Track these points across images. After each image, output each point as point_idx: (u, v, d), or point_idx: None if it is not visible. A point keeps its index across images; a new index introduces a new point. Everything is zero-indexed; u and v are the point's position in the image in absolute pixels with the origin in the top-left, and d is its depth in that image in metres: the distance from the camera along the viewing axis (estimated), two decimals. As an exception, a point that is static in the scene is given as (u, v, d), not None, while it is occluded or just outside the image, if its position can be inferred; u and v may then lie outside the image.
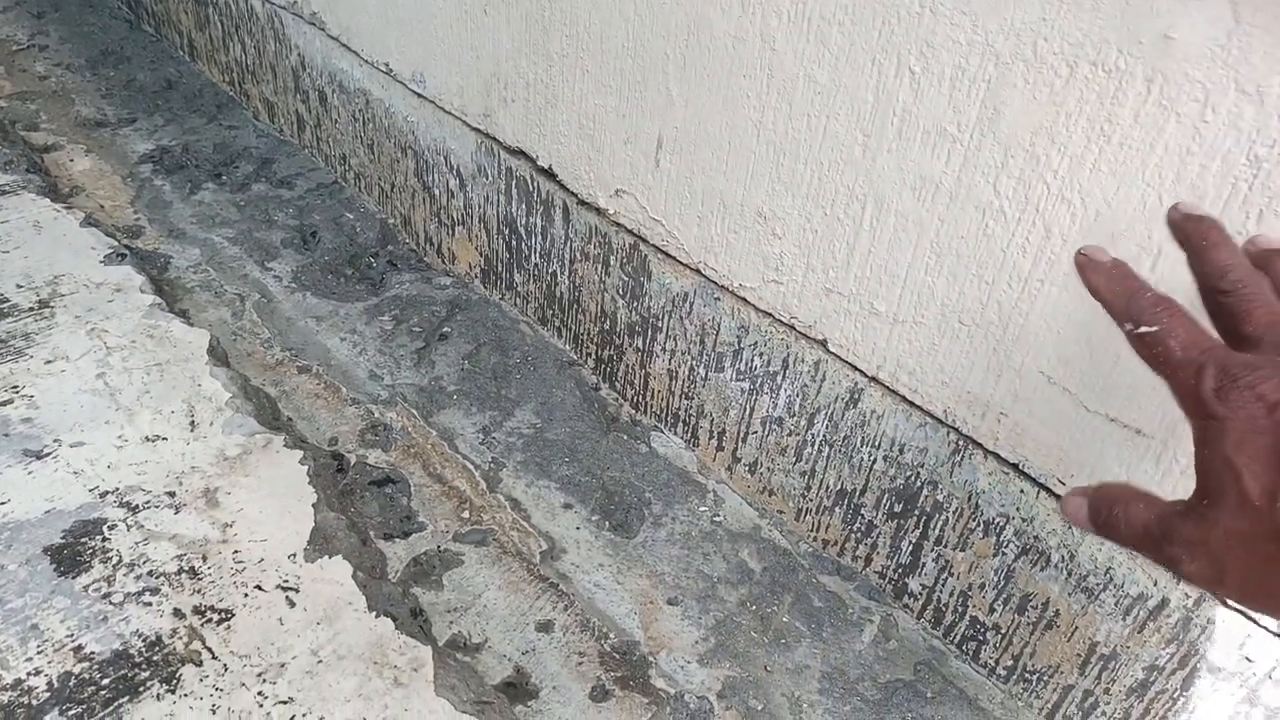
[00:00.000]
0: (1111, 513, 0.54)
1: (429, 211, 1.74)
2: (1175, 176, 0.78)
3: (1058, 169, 0.85)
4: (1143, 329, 0.52)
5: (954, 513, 1.08)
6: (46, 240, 1.61)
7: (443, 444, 1.36)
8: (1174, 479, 0.88)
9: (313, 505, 1.16)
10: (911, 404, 1.08)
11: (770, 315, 1.20)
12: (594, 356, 1.52)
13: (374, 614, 1.02)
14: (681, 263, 1.29)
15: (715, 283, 1.25)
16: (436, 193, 1.69)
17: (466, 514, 1.25)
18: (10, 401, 1.27)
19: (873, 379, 1.11)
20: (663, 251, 1.31)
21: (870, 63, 0.97)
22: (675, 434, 1.42)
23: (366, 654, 0.98)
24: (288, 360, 1.50)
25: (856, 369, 1.12)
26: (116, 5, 2.67)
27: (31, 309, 1.44)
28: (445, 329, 1.61)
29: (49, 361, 1.34)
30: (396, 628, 1.01)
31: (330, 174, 1.99)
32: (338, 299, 1.66)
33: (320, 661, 0.96)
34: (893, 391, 1.10)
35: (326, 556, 1.09)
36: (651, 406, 1.45)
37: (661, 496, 1.31)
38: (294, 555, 1.09)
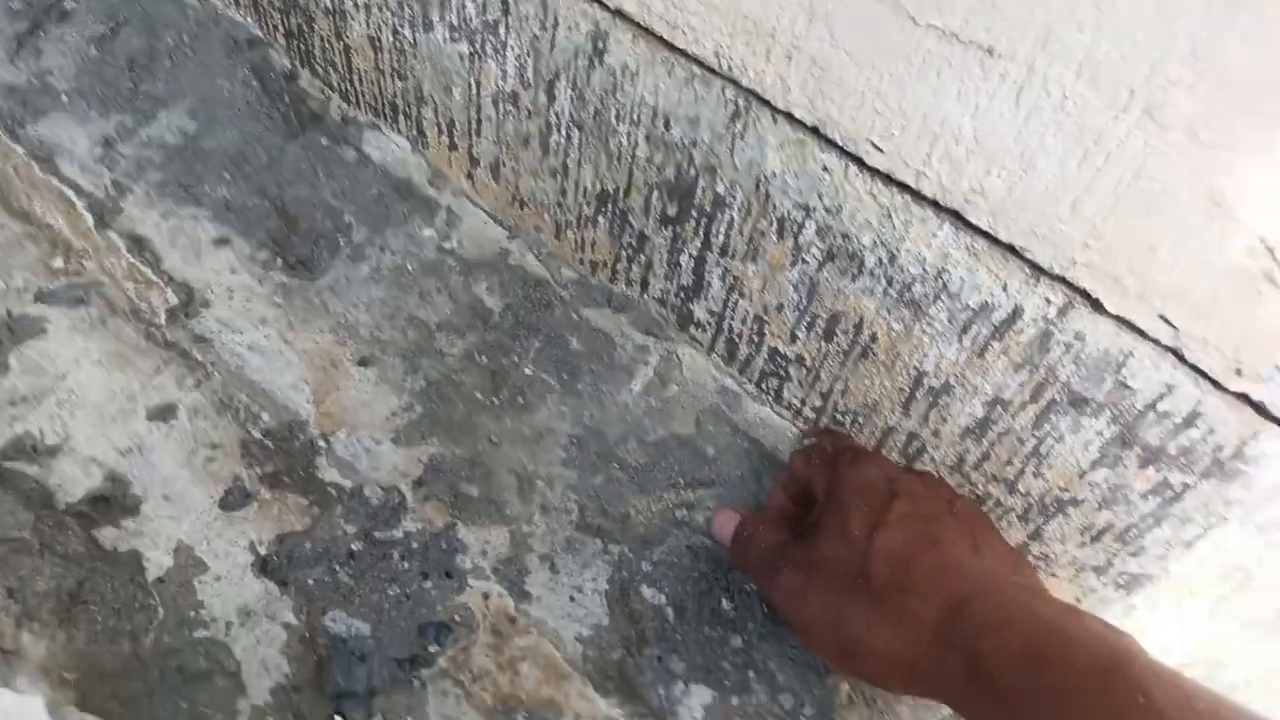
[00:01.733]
0: (756, 529, 0.70)
1: None
2: None
3: None
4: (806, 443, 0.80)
5: (739, 209, 0.76)
6: None
7: (33, 166, 0.93)
8: (1043, 120, 0.55)
9: None
10: (673, 48, 0.71)
11: (472, -78, 0.77)
12: (282, 30, 1.06)
13: None
14: None
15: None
16: None
17: (61, 263, 0.86)
18: None
19: (617, 13, 0.72)
20: None
21: None
22: (396, 130, 1.02)
23: None
24: None
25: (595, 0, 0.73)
26: None
27: None
28: (67, 4, 1.11)
29: None
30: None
31: None
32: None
33: None
34: (645, 31, 0.72)
35: None
36: (362, 95, 1.03)
37: (369, 219, 0.94)
38: None
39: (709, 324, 0.86)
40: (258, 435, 0.76)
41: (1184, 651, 0.74)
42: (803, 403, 0.84)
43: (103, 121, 0.98)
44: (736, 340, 0.85)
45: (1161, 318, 0.58)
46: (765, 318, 0.81)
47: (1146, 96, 0.51)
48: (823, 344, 0.78)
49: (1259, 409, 0.58)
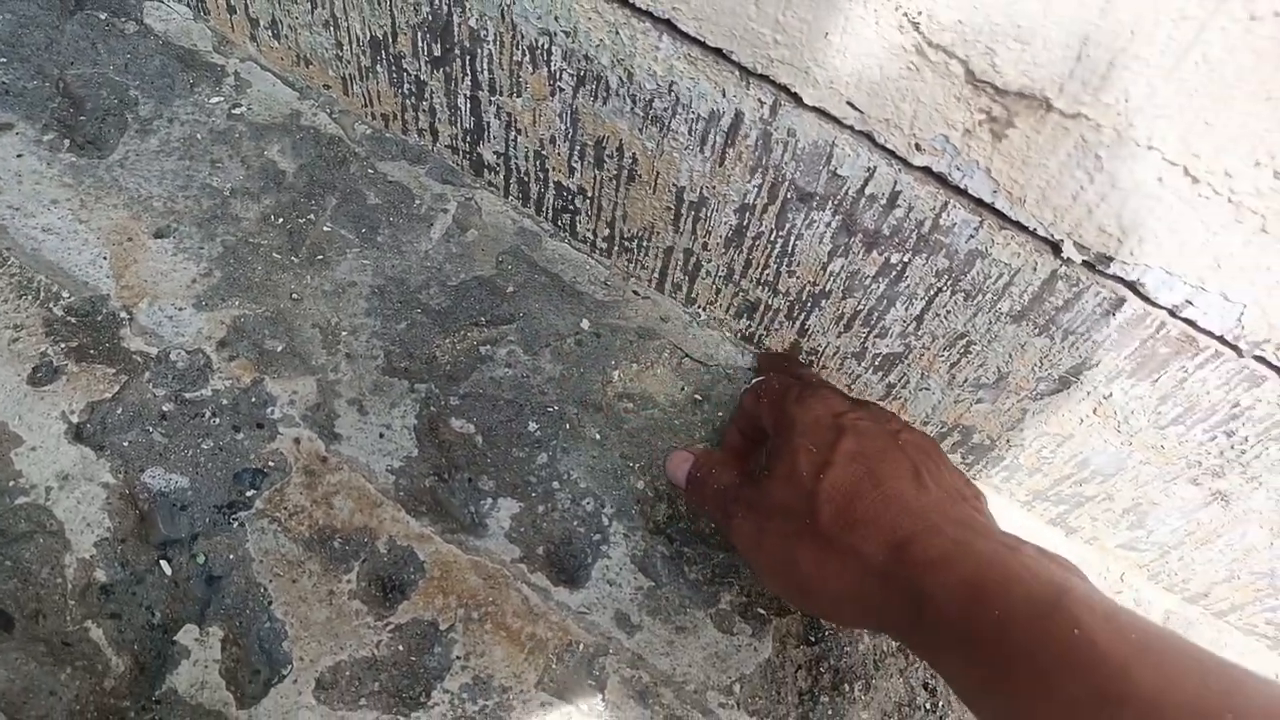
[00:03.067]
0: (709, 471, 0.72)
1: None
2: None
3: None
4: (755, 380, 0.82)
5: (494, 42, 0.77)
6: None
7: None
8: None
9: None
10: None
11: None
12: (37, -102, 1.01)
13: None
14: None
15: None
16: None
17: None
18: None
19: None
20: None
21: None
22: (177, 0, 1.00)
23: None
24: None
25: None
26: None
27: None
28: None
29: None
30: None
31: None
32: None
33: None
34: None
35: None
36: (131, -37, 0.99)
37: (155, 92, 0.93)
38: None
39: (498, 166, 0.90)
40: (60, 313, 0.79)
41: (938, 423, 0.83)
42: (594, 234, 0.89)
43: None
44: (526, 180, 0.89)
45: (849, 104, 0.63)
46: (544, 152, 0.84)
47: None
48: (596, 172, 0.82)
49: (942, 180, 0.64)
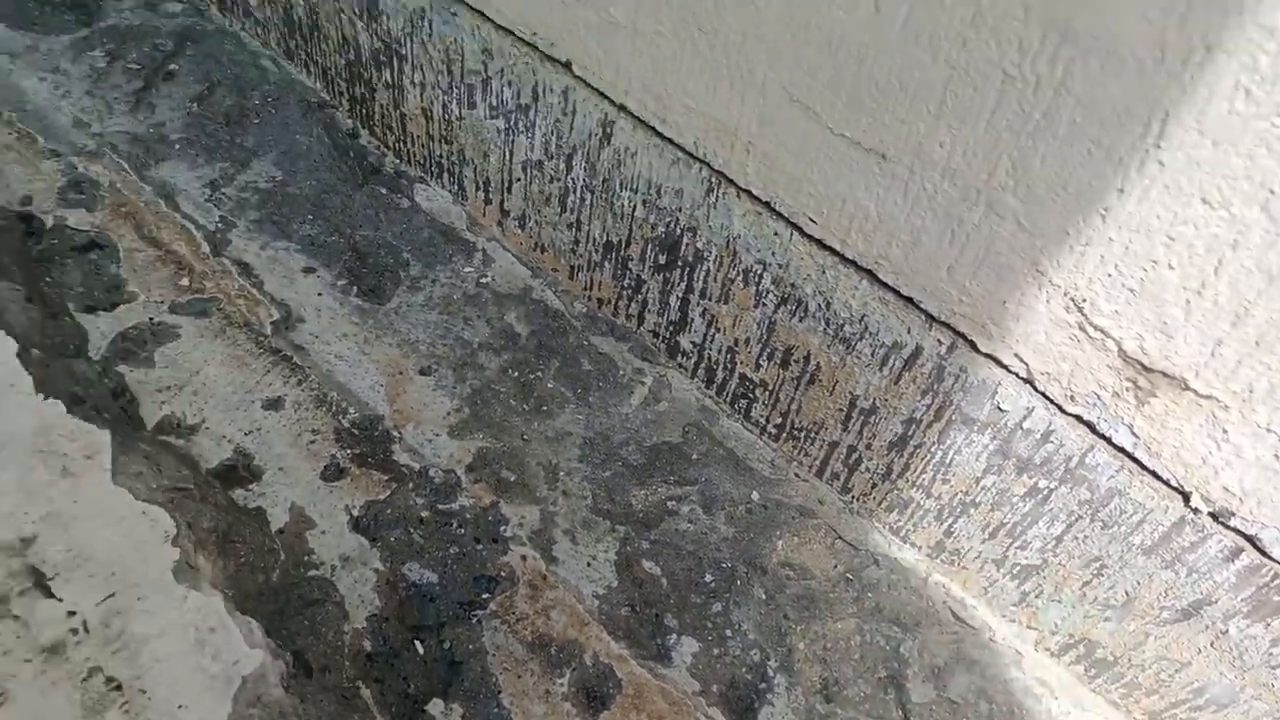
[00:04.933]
0: None
1: (143, -85, 1.39)
2: None
3: None
4: None
5: (714, 261, 0.98)
6: None
7: (159, 203, 1.16)
8: (922, 209, 0.78)
9: (-31, 277, 0.97)
10: (663, 137, 0.94)
11: (511, 33, 1.00)
12: (346, 96, 1.30)
13: (41, 396, 0.88)
14: (422, -30, 1.06)
15: (457, -6, 1.04)
16: (146, -112, 1.35)
17: (186, 282, 1.08)
18: None
19: (621, 108, 0.96)
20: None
21: None
22: (441, 186, 1.25)
23: (30, 441, 0.84)
24: (-34, 106, 1.22)
25: (605, 97, 0.96)
26: None
27: None
28: (172, 66, 1.34)
29: None
30: (70, 411, 0.87)
31: None
32: (39, 31, 1.35)
33: (-32, 455, 0.83)
34: (643, 123, 0.95)
35: (-14, 336, 0.92)
36: (413, 154, 1.26)
37: (422, 257, 1.17)
38: (-56, 336, 0.91)
39: (692, 353, 1.09)
40: (346, 425, 0.98)
41: (1065, 634, 0.95)
42: (767, 420, 1.07)
43: (208, 167, 1.21)
44: (714, 368, 1.08)
45: (1017, 356, 0.81)
46: (736, 349, 1.04)
47: (988, 196, 0.74)
48: (780, 371, 1.01)
49: (1090, 427, 0.80)
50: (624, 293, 1.11)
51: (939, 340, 0.85)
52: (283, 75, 1.34)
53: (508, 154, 1.11)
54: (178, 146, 1.23)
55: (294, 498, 0.92)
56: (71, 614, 0.74)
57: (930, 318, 0.84)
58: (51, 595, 0.75)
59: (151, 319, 1.04)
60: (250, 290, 1.08)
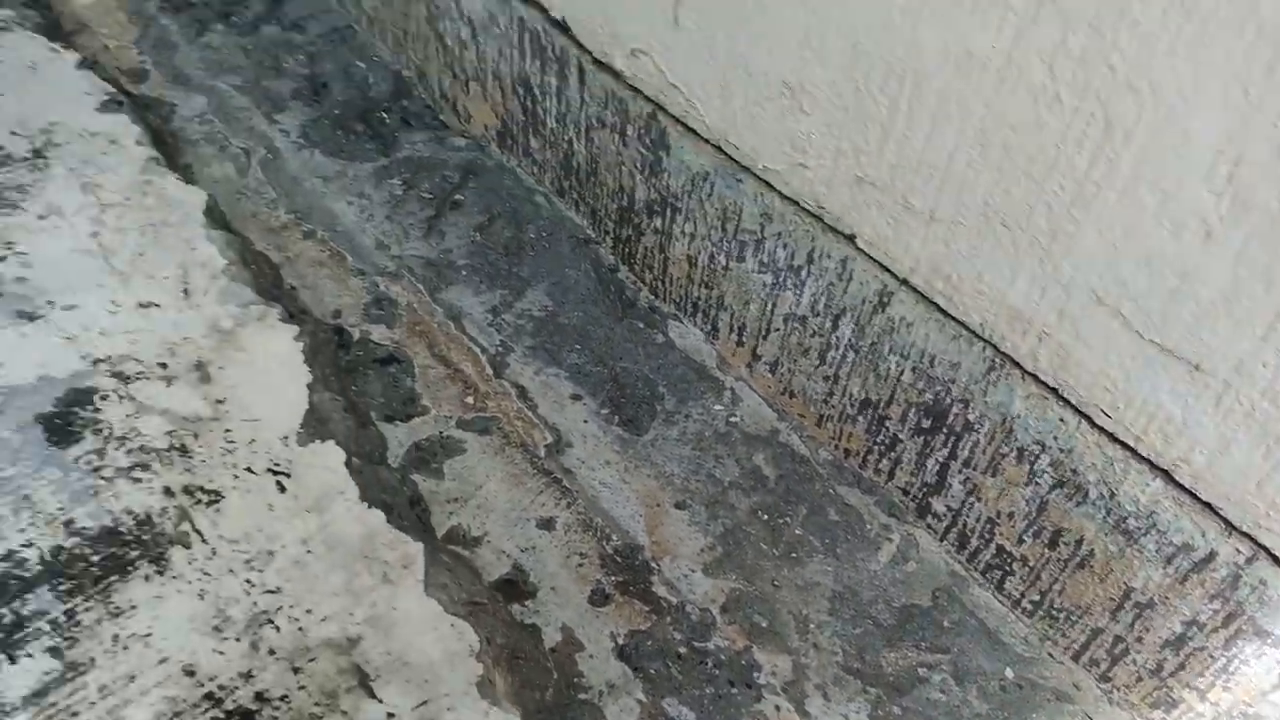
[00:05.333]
0: None
1: (443, 64, 1.60)
2: (1268, 66, 0.64)
3: (1125, 50, 0.71)
4: None
5: (985, 435, 1.00)
6: (41, 83, 1.51)
7: (449, 324, 1.29)
8: (1235, 422, 0.78)
9: (308, 385, 1.11)
10: (945, 314, 0.98)
11: (796, 203, 1.08)
12: (612, 235, 1.42)
13: (366, 504, 0.99)
14: (702, 137, 1.16)
15: (738, 162, 1.13)
16: (450, 43, 1.55)
17: (471, 399, 1.20)
18: (4, 258, 1.22)
19: (904, 282, 1.01)
20: (682, 123, 1.18)
21: (939, -87, 0.81)
22: (694, 324, 1.34)
23: (357, 546, 0.95)
24: (292, 224, 1.42)
25: (887, 270, 1.02)
26: None
27: (26, 158, 1.37)
28: (458, 196, 1.51)
29: (42, 217, 1.28)
30: (389, 520, 0.97)
31: (343, 18, 1.84)
32: (347, 158, 1.56)
33: (309, 552, 0.94)
34: (925, 298, 0.99)
35: (319, 440, 1.05)
36: (670, 293, 1.35)
37: (676, 391, 1.25)
38: (286, 438, 1.05)
39: (945, 516, 1.10)
40: (610, 551, 1.04)
41: None
42: (1022, 595, 1.06)
43: (489, 293, 1.35)
44: (968, 535, 1.08)
45: (1331, 579, 0.78)
46: (996, 521, 1.04)
47: (1323, 428, 0.73)
48: (1046, 551, 1.00)
49: None
50: (876, 448, 1.14)
51: (1237, 549, 0.83)
52: (554, 211, 1.48)
53: (770, 306, 1.18)
54: (464, 272, 1.38)
55: (565, 618, 0.98)
56: (391, 716, 0.82)
57: (1230, 526, 0.83)
58: (374, 696, 0.83)
59: (441, 432, 1.15)
60: (526, 413, 1.19)
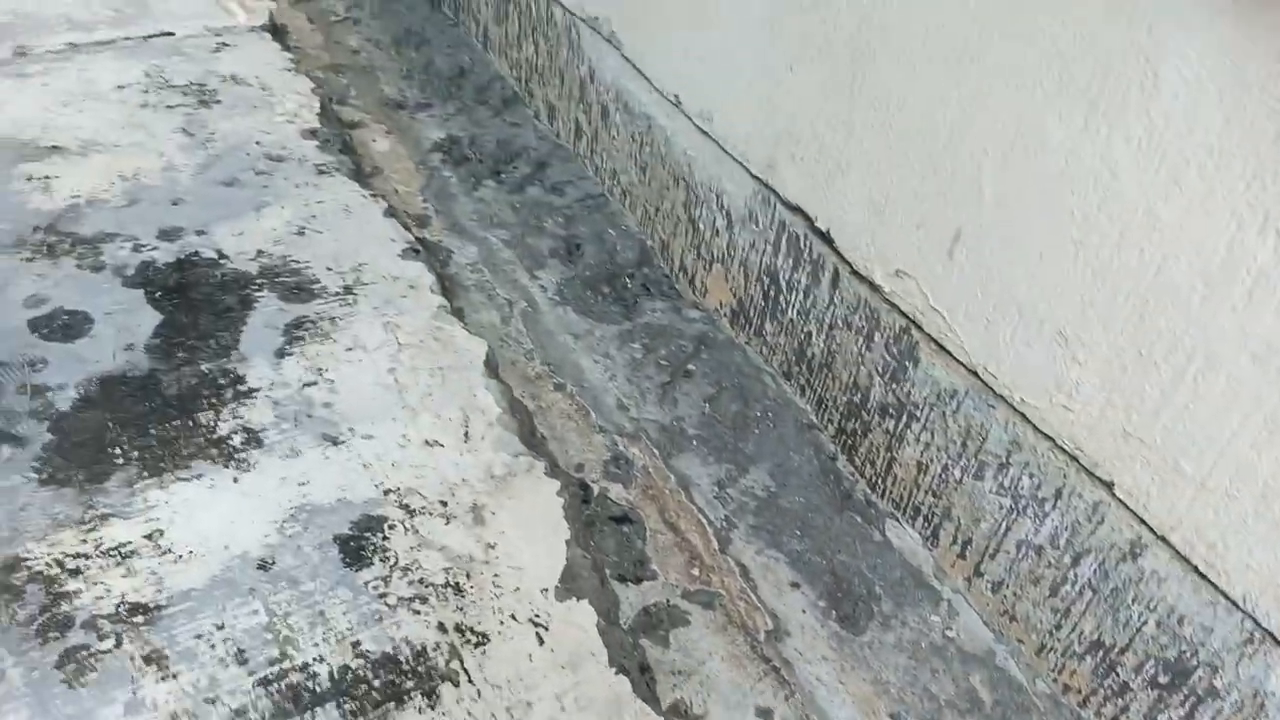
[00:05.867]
0: None
1: (689, 243, 1.76)
2: None
3: None
4: None
5: (1233, 705, 0.98)
6: (353, 226, 1.78)
7: (680, 491, 1.39)
8: None
9: (565, 541, 1.23)
10: (1204, 577, 0.99)
11: (1052, 440, 1.12)
12: (836, 426, 1.49)
13: (613, 669, 1.07)
14: (957, 360, 1.24)
15: (993, 390, 1.19)
16: (701, 227, 1.71)
17: (696, 571, 1.28)
18: (315, 383, 1.43)
19: (1161, 538, 1.02)
20: (936, 343, 1.26)
21: (1229, 214, 0.88)
22: (913, 528, 1.38)
23: (604, 711, 1.03)
24: (545, 375, 1.58)
25: (1144, 523, 1.04)
26: (423, -14, 2.87)
27: (338, 293, 1.61)
28: (690, 366, 1.64)
29: (349, 349, 1.49)
30: (633, 689, 1.05)
31: (599, 186, 2.07)
32: (594, 318, 1.73)
33: (563, 709, 1.03)
34: (1183, 558, 1.01)
35: (574, 599, 1.15)
36: (891, 493, 1.41)
37: (892, 595, 1.28)
38: (546, 590, 1.16)
39: (1173, 775, 1.07)
40: (826, 754, 1.08)
41: None
42: None
43: (716, 466, 1.44)
44: (1197, 798, 1.05)
45: None
46: (1234, 794, 1.01)
47: None
48: (1290, 839, 0.96)
49: None
50: (1102, 691, 1.13)
51: None
52: (779, 392, 1.58)
53: (1004, 528, 1.21)
54: (694, 441, 1.49)
55: (781, 815, 1.02)
56: None
57: None
58: None
59: (668, 601, 1.23)
60: (748, 593, 1.25)
